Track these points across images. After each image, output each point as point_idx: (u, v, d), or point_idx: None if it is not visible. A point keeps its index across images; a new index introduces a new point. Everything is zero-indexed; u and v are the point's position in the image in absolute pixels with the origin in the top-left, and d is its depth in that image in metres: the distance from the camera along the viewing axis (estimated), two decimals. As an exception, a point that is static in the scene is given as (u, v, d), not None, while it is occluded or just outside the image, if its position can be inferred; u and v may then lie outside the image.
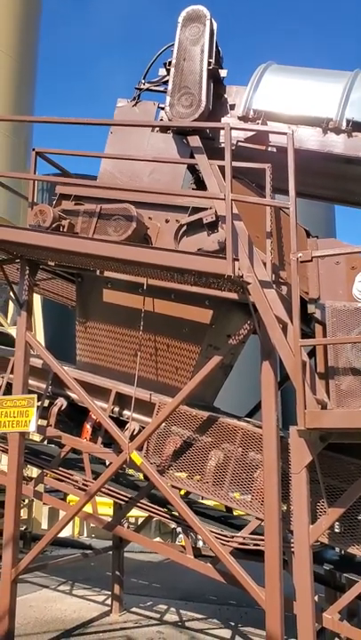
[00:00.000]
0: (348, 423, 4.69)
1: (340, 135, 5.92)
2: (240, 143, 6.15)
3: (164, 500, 6.02)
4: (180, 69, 6.21)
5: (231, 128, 5.42)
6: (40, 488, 6.73)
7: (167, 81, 6.36)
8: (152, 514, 6.31)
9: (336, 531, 5.31)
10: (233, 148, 5.75)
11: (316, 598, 4.98)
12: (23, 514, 11.75)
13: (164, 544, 7.35)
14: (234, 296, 5.62)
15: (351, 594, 5.20)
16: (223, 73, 6.40)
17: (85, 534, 14.21)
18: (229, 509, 7.58)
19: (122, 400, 6.39)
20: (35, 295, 8.35)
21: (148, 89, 6.79)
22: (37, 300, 13.93)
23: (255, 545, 5.38)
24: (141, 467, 5.79)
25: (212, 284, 5.60)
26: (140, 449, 5.85)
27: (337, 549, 6.30)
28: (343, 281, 5.61)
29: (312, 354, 5.67)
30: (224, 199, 5.22)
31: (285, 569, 5.11)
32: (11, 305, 15.73)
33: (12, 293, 6.77)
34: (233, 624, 7.32)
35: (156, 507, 6.18)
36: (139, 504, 6.22)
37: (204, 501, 8.49)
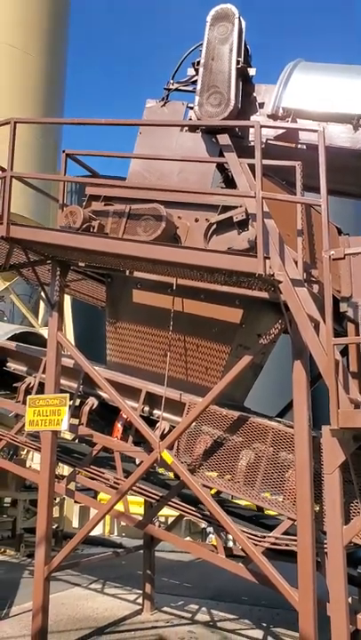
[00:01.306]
0: (382, 423, 4.63)
1: (371, 131, 5.85)
2: (269, 141, 6.12)
3: (195, 499, 6.02)
4: (209, 69, 6.20)
5: (261, 126, 5.39)
6: (72, 486, 6.79)
7: (196, 81, 6.37)
8: (183, 513, 6.31)
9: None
10: (263, 146, 5.72)
11: (349, 600, 4.91)
12: (55, 512, 11.89)
13: (195, 543, 7.34)
14: (265, 295, 5.59)
15: (386, 596, 5.13)
16: (252, 71, 6.38)
17: (116, 533, 14.30)
18: (261, 509, 7.55)
19: (152, 400, 6.41)
20: (65, 296, 8.44)
21: (176, 89, 6.80)
22: (67, 301, 14.07)
23: (287, 545, 5.34)
24: (172, 465, 5.80)
25: (243, 284, 5.58)
26: (170, 448, 5.86)
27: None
28: (376, 279, 5.54)
29: (344, 353, 5.61)
30: (255, 197, 5.19)
31: (318, 570, 5.06)
32: (41, 306, 15.94)
33: (43, 294, 6.85)
34: (265, 625, 7.28)
35: (187, 506, 6.18)
36: (170, 503, 6.23)
37: (235, 501, 8.47)
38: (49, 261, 6.73)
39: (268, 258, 5.19)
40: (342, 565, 4.73)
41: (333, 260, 5.00)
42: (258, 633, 7.01)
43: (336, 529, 4.76)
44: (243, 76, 6.22)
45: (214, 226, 6.03)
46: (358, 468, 5.02)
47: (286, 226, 5.57)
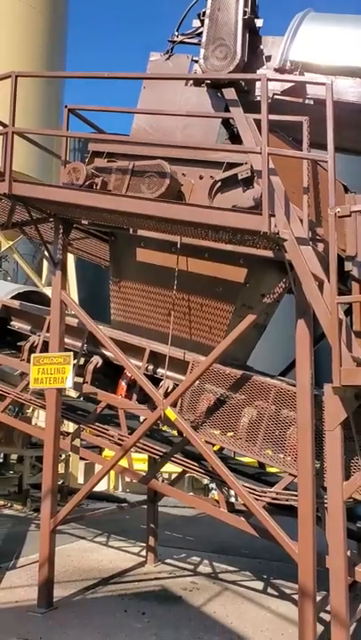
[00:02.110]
0: (384, 381, 4.66)
1: (381, 86, 5.70)
2: (276, 96, 5.97)
3: (198, 456, 6.12)
4: (215, 20, 6.02)
5: (268, 79, 5.25)
6: (77, 443, 6.90)
7: (201, 33, 6.18)
8: (186, 468, 6.43)
9: (369, 488, 5.32)
10: (269, 100, 5.59)
11: (348, 553, 5.03)
12: (60, 469, 12.12)
13: (198, 497, 7.51)
14: (269, 254, 5.55)
15: (384, 549, 5.26)
16: (259, 23, 6.18)
17: (120, 489, 14.60)
18: (262, 467, 7.67)
19: (156, 358, 6.46)
20: (69, 255, 8.41)
21: (181, 41, 6.62)
22: (71, 260, 14.03)
23: (288, 500, 5.45)
24: (176, 422, 5.88)
25: (247, 242, 5.54)
26: (174, 405, 5.93)
27: (370, 506, 6.34)
28: (382, 238, 5.48)
29: (348, 312, 5.60)
30: (260, 153, 5.10)
31: (318, 525, 5.17)
32: (45, 265, 15.90)
33: (46, 252, 6.82)
34: (265, 577, 7.48)
35: (190, 461, 6.29)
36: (173, 459, 6.34)
37: (237, 458, 8.60)
38: (52, 219, 6.69)
39: (274, 215, 5.13)
40: (342, 519, 4.83)
41: (339, 217, 4.95)
42: (258, 584, 7.21)
43: (336, 484, 4.84)
44: (249, 27, 6.03)
45: (219, 183, 5.95)
46: (359, 426, 5.07)
47: (292, 183, 5.49)
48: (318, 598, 5.07)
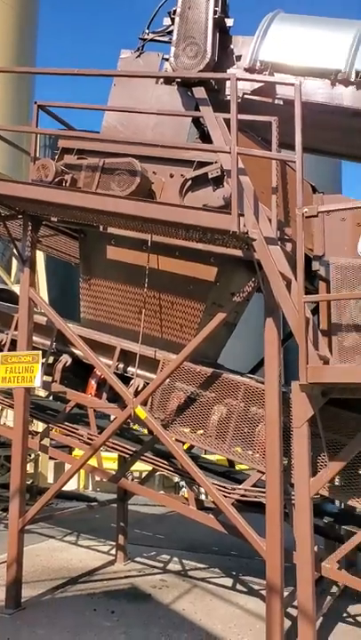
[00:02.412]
0: (349, 378, 4.74)
1: (348, 87, 5.79)
2: (246, 95, 6.02)
3: (168, 454, 6.13)
4: (185, 19, 6.03)
5: (237, 79, 5.30)
6: (46, 442, 6.85)
7: (172, 31, 6.19)
8: (156, 467, 6.44)
9: (336, 484, 5.41)
10: (239, 100, 5.63)
11: (315, 549, 5.11)
12: (30, 468, 12.01)
13: (167, 495, 7.52)
14: (239, 253, 5.58)
15: (350, 544, 5.35)
16: (229, 22, 6.22)
17: (91, 488, 14.52)
18: (232, 465, 7.73)
19: (126, 357, 6.44)
20: (38, 253, 8.32)
21: (152, 39, 6.61)
22: (40, 258, 13.89)
23: (256, 497, 5.50)
24: (145, 421, 5.88)
25: (218, 241, 5.57)
26: (144, 404, 5.93)
27: (337, 502, 6.44)
28: (348, 238, 5.56)
29: (316, 311, 5.67)
30: (229, 152, 5.13)
31: (286, 521, 5.23)
32: (14, 263, 15.71)
33: (15, 250, 6.75)
34: (234, 573, 7.53)
35: (159, 460, 6.30)
36: (143, 457, 6.35)
37: (207, 456, 8.64)
38: (20, 216, 6.62)
39: (243, 215, 5.17)
40: (309, 515, 4.90)
41: (306, 217, 5.01)
42: (227, 581, 7.26)
43: (303, 481, 4.90)
44: (220, 26, 6.06)
45: (189, 182, 5.97)
46: (325, 423, 5.14)
47: (261, 183, 5.54)
48: (286, 594, 5.14)
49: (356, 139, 6.35)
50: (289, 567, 4.98)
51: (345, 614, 6.20)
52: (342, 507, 6.55)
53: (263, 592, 5.65)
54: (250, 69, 6.09)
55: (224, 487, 5.66)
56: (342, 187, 21.59)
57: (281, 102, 5.97)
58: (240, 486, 5.66)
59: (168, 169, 6.04)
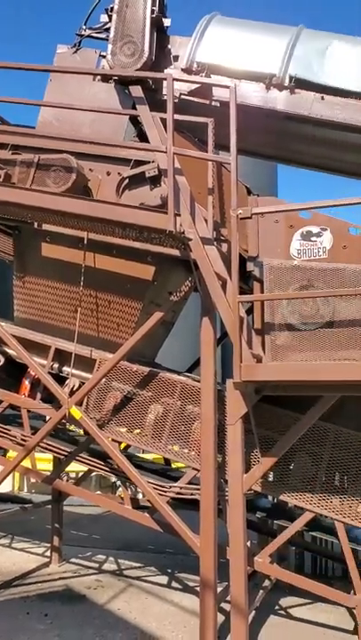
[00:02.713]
0: (280, 376, 4.87)
1: (282, 92, 5.90)
2: (183, 96, 6.04)
3: (104, 454, 6.10)
4: (123, 16, 6.00)
5: (173, 79, 5.31)
6: (-22, 444, 6.67)
7: (109, 28, 6.14)
8: (91, 467, 6.39)
9: (269, 480, 5.53)
10: (176, 100, 5.66)
11: (248, 544, 5.21)
12: None
13: (102, 496, 7.47)
14: (176, 252, 5.61)
15: (282, 538, 5.49)
16: (167, 22, 6.21)
17: (26, 490, 14.25)
18: (168, 463, 7.77)
19: (62, 356, 6.35)
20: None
21: (89, 35, 6.53)
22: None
23: (192, 495, 5.55)
24: (81, 421, 5.83)
25: (154, 240, 5.58)
26: (79, 404, 5.87)
27: (270, 497, 6.59)
28: (281, 239, 5.68)
29: (251, 311, 5.78)
30: (166, 152, 5.15)
31: (220, 517, 5.31)
32: None
33: None
34: (169, 571, 7.58)
35: (95, 460, 6.26)
36: (78, 458, 6.28)
37: (143, 455, 8.65)
38: None
39: (179, 215, 5.21)
40: (242, 511, 4.99)
41: (241, 219, 5.10)
42: (162, 579, 7.30)
43: (237, 476, 4.99)
44: (157, 26, 6.06)
45: (126, 180, 5.94)
46: (258, 419, 5.25)
47: (198, 184, 5.59)
48: (220, 589, 5.21)
49: (290, 142, 6.50)
50: (224, 563, 5.06)
51: (277, 607, 6.36)
52: (275, 502, 6.70)
53: (198, 588, 5.70)
54: (187, 70, 6.12)
55: (160, 485, 5.68)
56: (278, 190, 22.10)
57: (218, 104, 6.03)
58: (176, 484, 5.70)
59: (105, 167, 6.00)
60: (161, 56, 6.15)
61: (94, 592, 6.75)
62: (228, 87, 5.38)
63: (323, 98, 5.84)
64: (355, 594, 5.16)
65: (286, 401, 5.33)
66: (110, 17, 6.10)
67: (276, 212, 5.58)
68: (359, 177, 6.80)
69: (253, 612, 6.02)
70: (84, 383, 5.99)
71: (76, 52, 6.45)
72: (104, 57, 6.17)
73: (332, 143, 6.18)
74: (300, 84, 5.86)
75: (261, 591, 6.73)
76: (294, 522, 5.46)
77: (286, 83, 5.87)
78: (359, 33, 6.55)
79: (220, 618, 5.26)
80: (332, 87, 5.80)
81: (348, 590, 5.27)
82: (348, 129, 5.86)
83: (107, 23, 6.24)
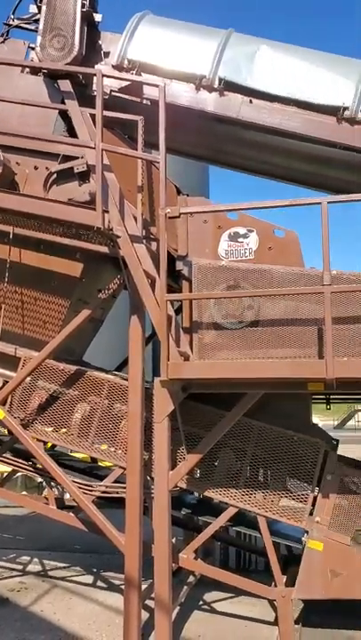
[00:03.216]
0: (206, 373, 4.94)
1: (212, 93, 5.97)
2: (114, 93, 6.00)
3: (29, 454, 5.98)
4: (53, 8, 5.89)
5: (103, 75, 5.29)
6: None
7: (38, 19, 6.02)
8: (16, 468, 6.26)
9: (195, 476, 5.60)
10: (106, 97, 5.63)
11: (173, 541, 5.25)
12: None
13: (26, 496, 7.32)
14: (104, 249, 5.58)
15: (205, 534, 5.56)
16: (98, 17, 6.16)
17: None
18: (95, 461, 7.71)
19: (-16, 354, 6.18)
20: None
21: (17, 26, 6.39)
22: None
23: (118, 493, 5.53)
24: (4, 421, 5.70)
25: (82, 237, 5.53)
26: (3, 403, 5.74)
27: (196, 494, 6.66)
28: (210, 239, 5.76)
29: (179, 310, 5.82)
30: (94, 148, 5.11)
31: (146, 515, 5.32)
32: None
33: None
34: (95, 570, 7.52)
35: (19, 460, 6.13)
36: (2, 458, 6.14)
37: (75, 454, 8.54)
38: None
39: (108, 212, 5.19)
40: (167, 508, 5.03)
41: (170, 218, 5.13)
42: (88, 578, 7.24)
43: (163, 473, 5.02)
44: (88, 20, 5.99)
45: (54, 175, 5.84)
46: (185, 416, 5.30)
47: (128, 181, 5.57)
48: (145, 586, 5.22)
49: (219, 144, 6.58)
50: (150, 560, 5.08)
51: (201, 602, 6.44)
52: (200, 498, 6.79)
53: (123, 587, 5.70)
54: (118, 67, 6.09)
55: (85, 485, 5.63)
56: (210, 191, 22.31)
57: (148, 102, 6.04)
58: (101, 483, 5.67)
59: (33, 161, 5.87)
60: (91, 51, 6.09)
61: (17, 594, 6.60)
62: (157, 86, 5.40)
63: (251, 101, 5.95)
64: (275, 586, 5.31)
65: (212, 398, 5.41)
66: (40, 8, 5.98)
67: (204, 212, 5.66)
68: (287, 180, 6.98)
69: (178, 607, 6.08)
70: (7, 382, 5.85)
71: (3, 42, 6.29)
72: (33, 49, 6.05)
73: (260, 146, 6.31)
74: (229, 86, 5.95)
75: (186, 587, 6.80)
76: (218, 517, 5.55)
77: (216, 85, 5.95)
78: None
79: (145, 615, 5.28)
80: (260, 91, 5.92)
81: (270, 583, 5.41)
82: (275, 132, 6.00)
83: (36, 14, 6.13)
